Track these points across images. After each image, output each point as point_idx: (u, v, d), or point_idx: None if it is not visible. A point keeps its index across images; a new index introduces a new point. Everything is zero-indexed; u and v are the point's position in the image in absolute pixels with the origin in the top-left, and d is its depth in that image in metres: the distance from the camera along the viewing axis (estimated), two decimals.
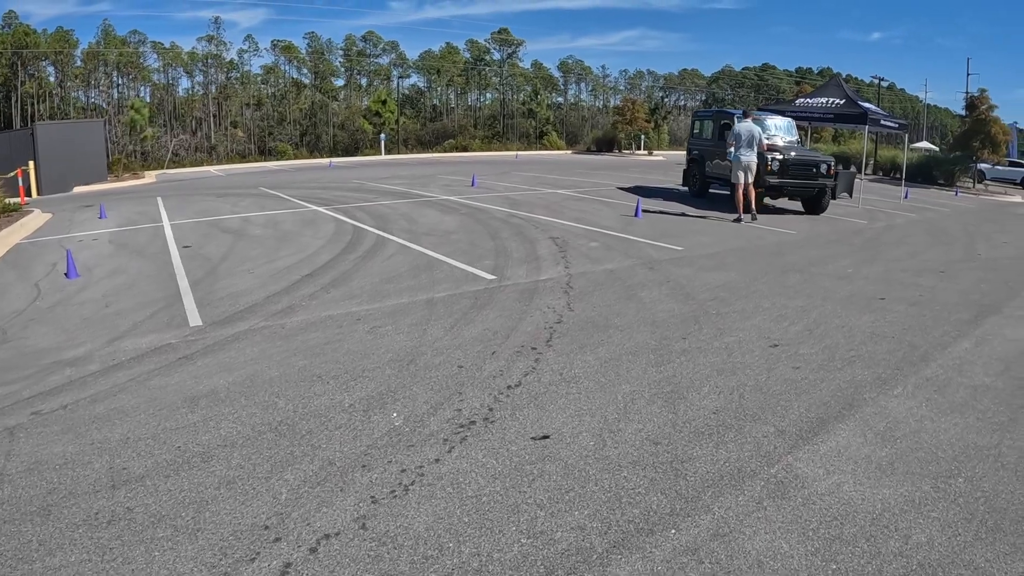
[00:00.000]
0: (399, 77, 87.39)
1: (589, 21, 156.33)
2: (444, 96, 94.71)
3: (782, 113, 18.75)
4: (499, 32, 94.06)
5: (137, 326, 6.47)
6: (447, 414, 4.47)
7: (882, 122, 19.92)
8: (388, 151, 55.66)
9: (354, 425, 4.25)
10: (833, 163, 15.68)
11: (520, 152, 55.46)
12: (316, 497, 3.42)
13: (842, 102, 19.58)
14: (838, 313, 7.13)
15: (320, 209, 14.88)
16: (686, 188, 19.30)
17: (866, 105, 20.17)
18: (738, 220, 13.89)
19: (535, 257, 9.73)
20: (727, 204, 16.14)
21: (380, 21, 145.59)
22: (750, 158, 13.67)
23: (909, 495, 3.58)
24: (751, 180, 13.84)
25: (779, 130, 16.73)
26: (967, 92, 71.92)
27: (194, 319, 6.67)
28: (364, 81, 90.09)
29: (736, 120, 14.46)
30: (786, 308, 7.25)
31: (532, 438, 4.16)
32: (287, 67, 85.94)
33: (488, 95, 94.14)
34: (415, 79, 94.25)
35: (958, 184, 33.87)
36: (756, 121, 14.60)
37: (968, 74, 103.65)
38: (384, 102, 63.71)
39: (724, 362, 5.53)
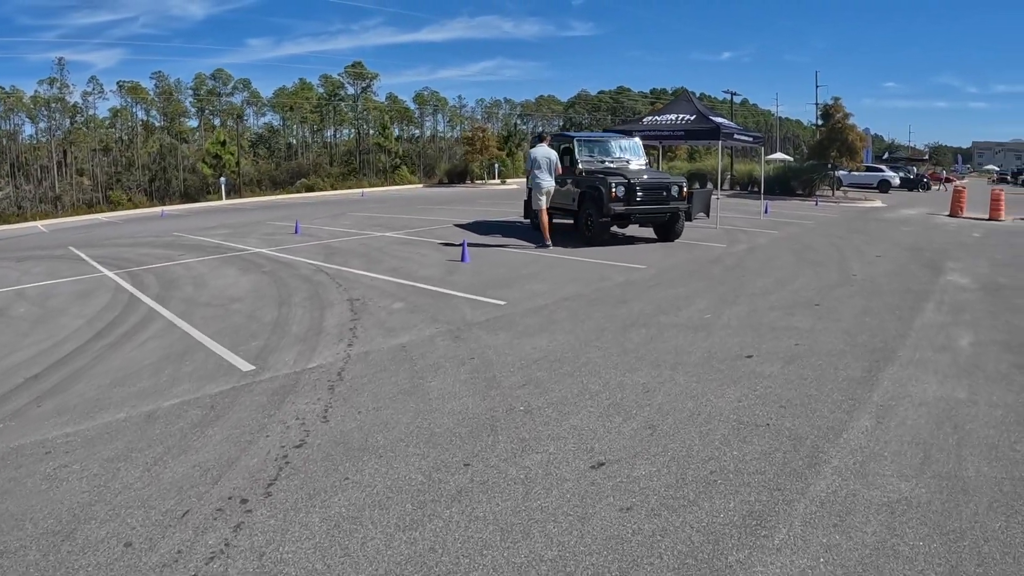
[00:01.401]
0: (237, 117, 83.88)
1: (448, 53, 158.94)
2: (299, 134, 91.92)
3: (629, 133, 17.51)
4: (353, 66, 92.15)
5: None
6: None
7: (736, 136, 19.02)
8: (231, 195, 52.37)
9: None
10: (685, 184, 14.41)
11: (368, 189, 53.19)
12: None
13: (693, 117, 18.56)
14: (692, 390, 5.38)
15: (109, 274, 12.37)
16: (528, 221, 17.71)
17: (718, 120, 19.23)
18: (545, 246, 13.90)
19: (318, 331, 7.68)
20: (572, 237, 14.68)
21: (241, 59, 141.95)
22: (550, 183, 13.82)
23: None
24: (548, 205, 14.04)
25: (625, 151, 15.40)
26: (817, 102, 75.06)
27: None
28: (217, 121, 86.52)
29: (535, 143, 14.61)
30: (623, 389, 5.45)
31: None
32: (136, 109, 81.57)
33: (346, 131, 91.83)
34: (270, 117, 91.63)
35: (817, 193, 34.08)
36: (568, 141, 13.86)
37: (817, 86, 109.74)
38: (224, 143, 60.05)
39: (516, 510, 3.63)
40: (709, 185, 22.63)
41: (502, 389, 5.52)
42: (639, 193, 13.48)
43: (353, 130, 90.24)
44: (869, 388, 5.35)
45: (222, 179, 52.02)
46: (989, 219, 23.08)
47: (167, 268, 12.88)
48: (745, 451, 4.25)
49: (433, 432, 4.70)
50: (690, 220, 16.93)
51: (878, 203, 31.48)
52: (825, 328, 7.24)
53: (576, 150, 14.79)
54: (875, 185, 42.87)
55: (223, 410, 5.29)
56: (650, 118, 19.83)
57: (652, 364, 6.04)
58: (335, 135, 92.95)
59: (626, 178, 13.46)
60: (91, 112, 78.28)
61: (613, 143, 15.58)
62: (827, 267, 11.48)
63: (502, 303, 8.73)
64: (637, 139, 16.07)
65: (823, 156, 34.21)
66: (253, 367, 6.41)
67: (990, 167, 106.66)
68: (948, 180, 70.07)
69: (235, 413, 5.22)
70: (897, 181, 45.25)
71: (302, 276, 11.31)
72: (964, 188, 26.04)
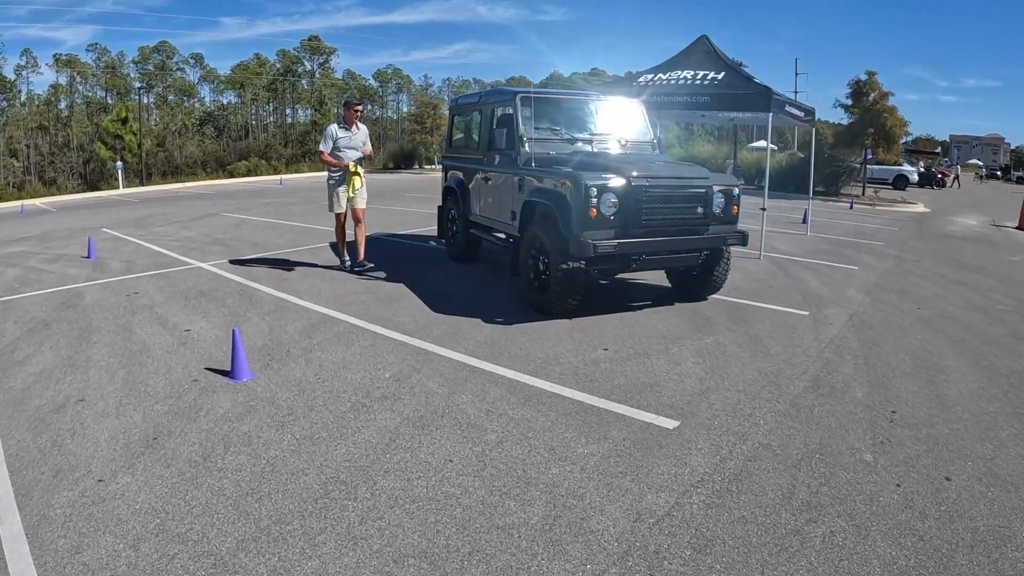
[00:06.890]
0: (187, 95, 76.00)
1: (420, 35, 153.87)
2: (254, 112, 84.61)
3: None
4: (309, 40, 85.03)
5: None
6: None
7: (787, 108, 11.80)
8: (138, 181, 44.55)
9: None
10: (738, 187, 7.18)
11: (291, 176, 45.00)
12: None
13: (721, 76, 11.37)
14: None
15: None
16: (444, 244, 10.59)
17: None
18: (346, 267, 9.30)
19: None
20: (512, 286, 7.80)
21: (214, 38, 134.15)
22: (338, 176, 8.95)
23: None
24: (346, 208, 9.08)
25: (619, 124, 8.32)
26: (796, 90, 68.17)
27: None
28: (172, 98, 79.37)
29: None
30: None
31: None
32: (81, 86, 74.10)
33: (308, 110, 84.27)
34: (229, 96, 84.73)
35: (843, 192, 27.00)
36: (506, 102, 8.12)
37: (796, 73, 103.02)
38: (125, 120, 50.90)
39: None
40: (740, 180, 15.54)
41: None
42: (648, 207, 6.33)
43: (310, 109, 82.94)
44: None
45: (119, 164, 43.09)
46: None
47: None
48: None
49: None
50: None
51: (920, 207, 24.68)
52: None
53: (519, 118, 7.54)
54: (890, 181, 36.13)
55: None
56: (650, 75, 12.20)
57: None
58: (294, 113, 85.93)
59: (622, 174, 6.32)
60: (29, 88, 72.51)
61: (592, 107, 8.44)
62: None
63: None
64: (639, 103, 8.86)
65: (853, 145, 26.86)
66: None
67: (974, 161, 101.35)
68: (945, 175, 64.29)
69: None
70: (915, 177, 38.66)
71: None
72: None
